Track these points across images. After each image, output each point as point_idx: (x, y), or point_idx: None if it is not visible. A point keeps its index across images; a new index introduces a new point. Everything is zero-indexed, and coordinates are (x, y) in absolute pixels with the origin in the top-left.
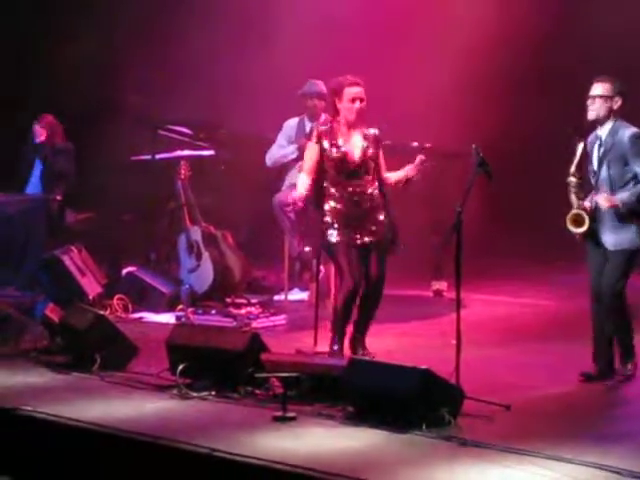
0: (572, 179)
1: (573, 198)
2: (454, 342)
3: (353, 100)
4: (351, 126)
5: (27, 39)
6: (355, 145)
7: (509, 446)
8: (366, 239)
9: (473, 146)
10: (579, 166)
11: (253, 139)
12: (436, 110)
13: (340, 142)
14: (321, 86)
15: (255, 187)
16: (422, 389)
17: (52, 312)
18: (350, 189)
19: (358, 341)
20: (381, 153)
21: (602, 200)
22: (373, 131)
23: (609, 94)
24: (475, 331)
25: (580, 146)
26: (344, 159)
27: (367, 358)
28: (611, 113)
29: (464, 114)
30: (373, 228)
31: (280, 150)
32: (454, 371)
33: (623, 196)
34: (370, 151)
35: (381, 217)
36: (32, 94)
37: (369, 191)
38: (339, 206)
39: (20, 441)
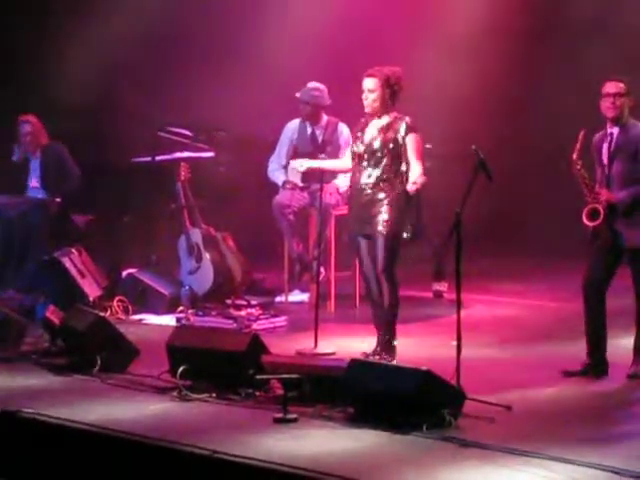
0: (577, 167)
1: (584, 187)
2: (454, 343)
3: (362, 92)
4: (370, 117)
5: (24, 38)
6: (369, 135)
7: (510, 447)
8: (360, 231)
9: (473, 147)
10: (580, 153)
11: (253, 141)
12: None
13: (362, 133)
14: (315, 92)
15: (255, 189)
16: (423, 390)
17: (52, 314)
18: (356, 178)
19: (381, 344)
20: (408, 140)
21: (603, 196)
22: (387, 120)
23: (626, 92)
24: (476, 332)
25: (581, 134)
26: (356, 146)
27: (368, 359)
28: (628, 110)
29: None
30: (369, 221)
31: (276, 173)
32: (455, 372)
33: (619, 195)
34: (379, 140)
35: (381, 211)
36: (30, 94)
37: (373, 182)
38: (350, 195)
39: (20, 444)
